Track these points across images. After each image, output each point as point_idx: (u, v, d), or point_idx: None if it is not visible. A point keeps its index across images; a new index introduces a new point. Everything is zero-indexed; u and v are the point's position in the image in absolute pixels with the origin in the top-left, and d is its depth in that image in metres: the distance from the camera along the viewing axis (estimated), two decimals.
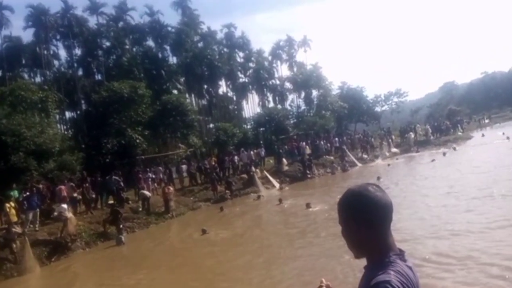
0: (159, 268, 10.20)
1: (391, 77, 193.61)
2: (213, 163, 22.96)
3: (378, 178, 18.39)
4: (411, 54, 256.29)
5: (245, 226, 13.57)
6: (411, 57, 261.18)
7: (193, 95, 46.40)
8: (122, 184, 17.75)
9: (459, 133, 35.84)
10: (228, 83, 50.86)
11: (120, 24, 45.62)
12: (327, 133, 38.30)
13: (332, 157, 27.28)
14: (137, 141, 26.81)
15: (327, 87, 48.34)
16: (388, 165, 24.57)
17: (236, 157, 24.17)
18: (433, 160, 22.71)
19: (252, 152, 24.92)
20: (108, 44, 44.03)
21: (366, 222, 1.29)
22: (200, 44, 47.49)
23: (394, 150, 30.57)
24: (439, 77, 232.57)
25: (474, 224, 8.82)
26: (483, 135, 33.92)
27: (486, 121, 51.94)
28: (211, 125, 44.81)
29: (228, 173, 22.85)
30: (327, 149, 28.83)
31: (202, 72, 43.32)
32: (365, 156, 29.03)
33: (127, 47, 44.53)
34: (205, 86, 46.63)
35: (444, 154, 25.03)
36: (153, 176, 20.41)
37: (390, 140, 31.98)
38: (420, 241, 8.40)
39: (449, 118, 40.23)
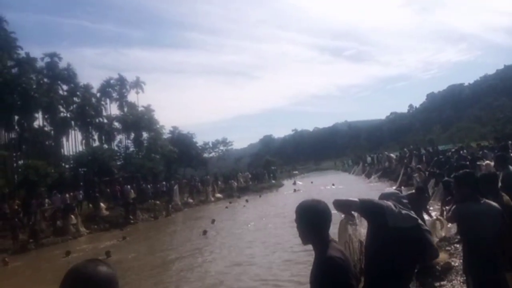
0: None
1: (219, 126, 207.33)
2: (16, 206, 19.66)
3: (213, 221, 18.65)
4: (238, 107, 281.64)
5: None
6: (237, 110, 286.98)
7: None
8: None
9: (273, 181, 40.55)
10: (46, 116, 45.38)
11: None
12: (155, 177, 37.83)
13: (158, 202, 26.89)
14: None
15: (158, 130, 48.30)
16: (226, 207, 25.69)
17: (46, 200, 21.38)
18: (244, 206, 25.25)
19: (67, 195, 22.48)
20: None
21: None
22: (15, 71, 41.50)
23: (218, 195, 32.29)
24: (260, 130, 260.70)
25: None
26: (294, 183, 39.00)
27: (295, 172, 60.37)
28: (21, 162, 38.62)
29: (35, 219, 19.88)
30: (154, 193, 28.38)
31: (14, 101, 37.58)
32: (190, 200, 29.67)
33: None
34: (16, 118, 40.45)
35: (247, 200, 27.83)
36: None
37: (215, 186, 33.79)
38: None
39: (265, 168, 45.16)
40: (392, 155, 33.44)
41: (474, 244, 3.34)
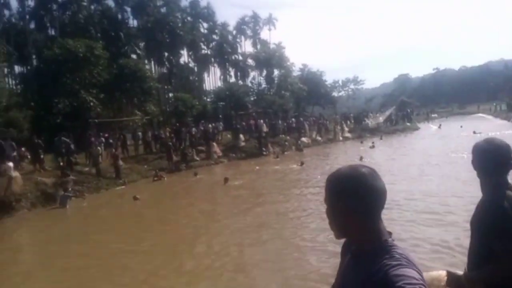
0: (108, 232, 9.96)
1: (349, 64, 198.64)
2: (168, 133, 22.76)
3: (361, 158, 17.60)
4: (371, 44, 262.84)
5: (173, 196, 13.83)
6: (370, 47, 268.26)
7: (152, 62, 45.00)
8: (72, 146, 17.18)
9: (407, 124, 37.83)
10: (190, 53, 49.75)
11: None
12: (285, 113, 39.03)
13: (288, 137, 27.89)
14: (91, 103, 25.80)
15: (289, 67, 48.81)
16: (371, 147, 23.54)
17: (194, 129, 24.09)
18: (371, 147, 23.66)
19: (210, 125, 24.94)
20: None
21: (358, 210, 1.15)
22: (163, 10, 45.81)
23: (347, 135, 31.79)
24: (395, 68, 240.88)
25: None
26: (439, 127, 35.42)
27: (434, 115, 55.09)
28: (170, 95, 43.93)
29: (185, 144, 22.76)
30: (284, 128, 29.44)
31: (163, 38, 41.97)
32: (319, 138, 29.95)
33: (85, 3, 42.00)
34: (166, 54, 45.33)
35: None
36: (110, 140, 20.05)
37: (344, 125, 33.23)
38: None
39: (400, 109, 42.00)
40: None
41: None
